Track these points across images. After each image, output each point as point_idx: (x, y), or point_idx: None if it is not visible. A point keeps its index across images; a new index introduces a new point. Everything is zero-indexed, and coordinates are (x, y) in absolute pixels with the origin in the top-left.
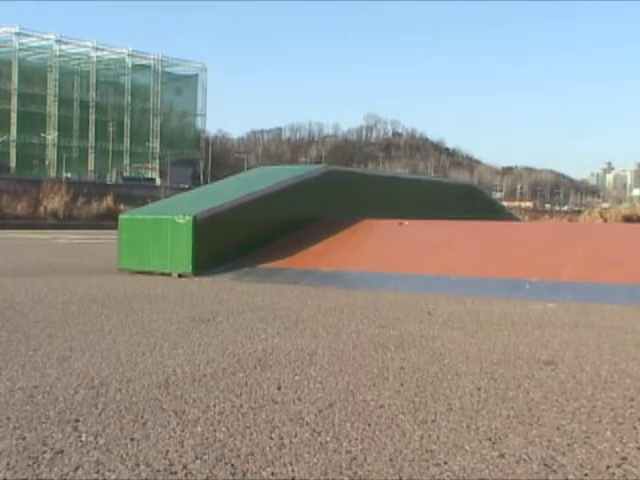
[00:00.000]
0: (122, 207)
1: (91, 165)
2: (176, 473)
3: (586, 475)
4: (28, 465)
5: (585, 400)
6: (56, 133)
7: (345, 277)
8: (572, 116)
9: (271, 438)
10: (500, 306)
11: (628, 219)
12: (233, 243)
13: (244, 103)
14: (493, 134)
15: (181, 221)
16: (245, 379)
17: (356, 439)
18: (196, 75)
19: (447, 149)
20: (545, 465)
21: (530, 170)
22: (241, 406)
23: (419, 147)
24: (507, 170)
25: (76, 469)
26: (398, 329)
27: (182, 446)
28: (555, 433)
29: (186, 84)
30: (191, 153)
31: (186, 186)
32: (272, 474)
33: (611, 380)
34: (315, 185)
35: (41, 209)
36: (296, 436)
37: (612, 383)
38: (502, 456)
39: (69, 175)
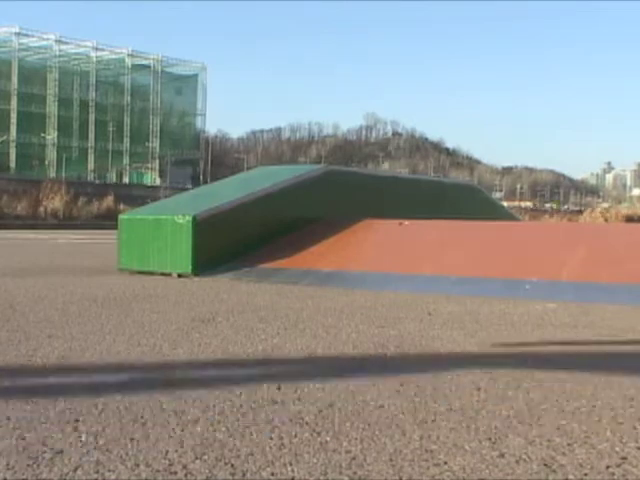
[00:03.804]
0: (122, 207)
1: (91, 165)
2: (176, 473)
3: (586, 475)
4: (28, 465)
5: (585, 400)
6: (56, 133)
7: (345, 277)
8: (572, 116)
9: (271, 438)
10: (500, 306)
11: (629, 219)
12: (233, 243)
13: (244, 103)
14: (493, 134)
15: (181, 221)
16: (245, 379)
17: (356, 439)
18: (196, 75)
19: (447, 149)
20: (545, 465)
21: (530, 170)
22: (241, 406)
23: (419, 147)
24: (507, 170)
25: (76, 469)
26: (398, 329)
27: (182, 446)
28: (555, 433)
29: (186, 84)
30: (191, 153)
31: (186, 186)
32: (272, 474)
33: (611, 380)
34: (315, 185)
35: (41, 209)
36: (296, 436)
37: (612, 383)
38: (502, 456)
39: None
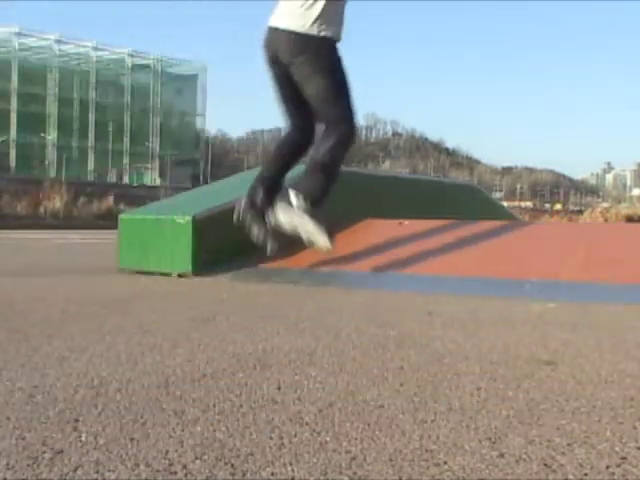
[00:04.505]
0: (122, 207)
1: (91, 165)
2: (176, 473)
3: (586, 475)
4: (28, 465)
5: (585, 400)
6: (56, 133)
7: (345, 277)
8: (572, 116)
9: (271, 438)
10: (500, 306)
11: (629, 219)
12: (233, 243)
13: (244, 103)
14: (493, 134)
15: (181, 221)
16: (245, 379)
17: (356, 439)
18: (196, 75)
19: (447, 149)
20: (545, 465)
21: (530, 170)
22: (241, 406)
23: (419, 147)
24: (507, 170)
25: (76, 469)
26: (398, 329)
27: (182, 446)
28: (555, 433)
29: (186, 84)
30: (191, 153)
31: (186, 186)
32: (272, 474)
33: (611, 380)
34: None
35: (41, 209)
36: (296, 436)
37: (612, 383)
38: (502, 456)
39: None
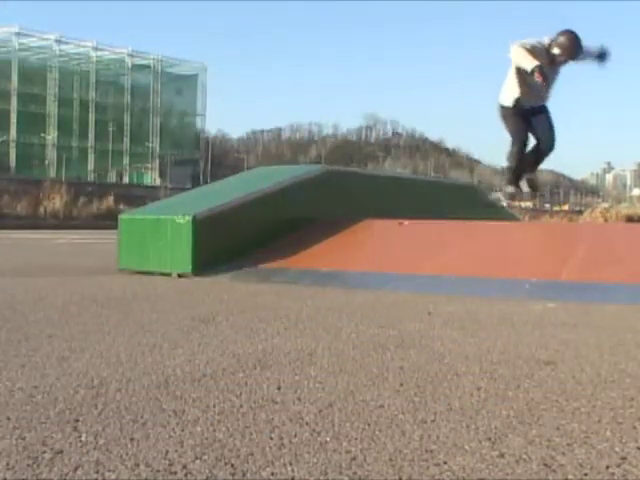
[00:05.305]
0: (122, 207)
1: (91, 165)
2: (176, 473)
3: (586, 475)
4: (28, 465)
5: (585, 400)
6: (56, 133)
7: (345, 277)
8: (572, 116)
9: (271, 438)
10: (500, 306)
11: (629, 219)
12: (233, 243)
13: (244, 103)
14: (493, 134)
15: (181, 221)
16: (245, 379)
17: (356, 439)
18: (196, 75)
19: (447, 149)
20: (545, 465)
21: None
22: (241, 406)
23: (419, 147)
24: None
25: (76, 469)
26: (398, 329)
27: (182, 446)
28: (555, 433)
29: (186, 84)
30: (191, 153)
31: (186, 186)
32: (272, 474)
33: (611, 380)
34: (315, 185)
35: (41, 209)
36: (296, 436)
37: (612, 383)
38: (502, 456)
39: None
